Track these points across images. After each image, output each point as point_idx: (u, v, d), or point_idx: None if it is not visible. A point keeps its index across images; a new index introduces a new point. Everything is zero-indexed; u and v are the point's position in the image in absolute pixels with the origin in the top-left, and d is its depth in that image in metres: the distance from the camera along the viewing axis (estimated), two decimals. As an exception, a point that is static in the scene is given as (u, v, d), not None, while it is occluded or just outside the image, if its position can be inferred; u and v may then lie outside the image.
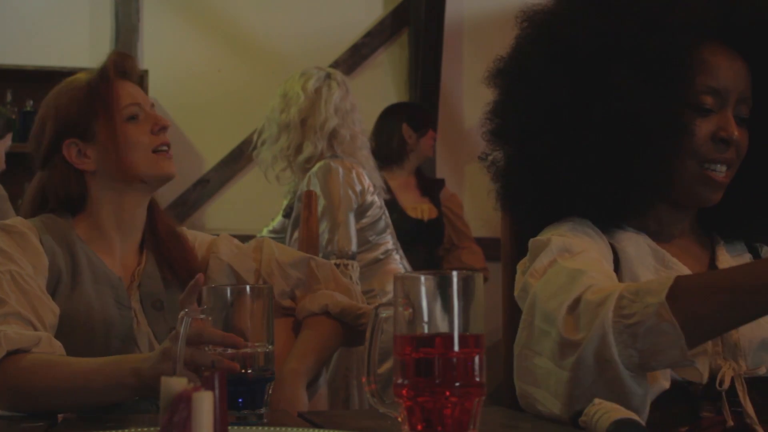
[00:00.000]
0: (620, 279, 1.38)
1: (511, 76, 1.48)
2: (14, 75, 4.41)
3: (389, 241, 3.41)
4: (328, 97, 3.31)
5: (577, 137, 1.38)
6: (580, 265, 1.28)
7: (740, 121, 1.41)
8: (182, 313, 1.25)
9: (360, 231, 3.27)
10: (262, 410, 1.28)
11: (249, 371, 1.26)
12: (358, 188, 3.24)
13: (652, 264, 1.41)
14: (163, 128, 1.72)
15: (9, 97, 4.39)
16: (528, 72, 1.45)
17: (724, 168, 1.41)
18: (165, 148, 1.72)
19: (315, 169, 3.23)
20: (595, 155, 1.38)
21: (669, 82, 1.37)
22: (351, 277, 3.12)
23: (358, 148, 3.36)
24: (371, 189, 3.31)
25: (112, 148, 1.68)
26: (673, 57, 1.36)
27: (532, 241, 1.41)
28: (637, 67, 1.36)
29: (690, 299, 1.14)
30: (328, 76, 3.38)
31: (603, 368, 1.17)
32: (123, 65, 1.75)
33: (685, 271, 1.41)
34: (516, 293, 1.40)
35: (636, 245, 1.43)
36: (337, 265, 3.10)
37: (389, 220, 3.45)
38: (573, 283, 1.23)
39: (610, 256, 1.40)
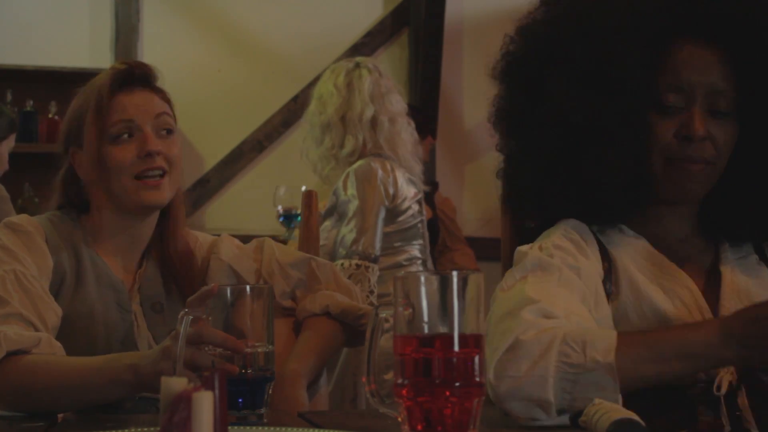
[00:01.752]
0: (617, 286, 1.39)
1: (501, 77, 1.50)
2: (14, 75, 4.42)
3: (416, 249, 3.39)
4: (360, 87, 3.32)
5: (546, 142, 1.40)
6: (538, 293, 1.29)
7: (717, 114, 1.41)
8: (182, 312, 1.25)
9: (386, 235, 3.27)
10: (262, 410, 1.28)
11: (249, 371, 1.26)
12: (391, 191, 3.24)
13: (650, 270, 1.41)
14: (150, 154, 1.62)
15: (9, 97, 4.38)
16: (504, 74, 1.48)
17: (697, 164, 1.41)
18: (152, 174, 1.63)
19: (355, 166, 3.23)
20: (567, 159, 1.39)
21: (627, 83, 1.38)
22: (369, 280, 3.13)
23: (398, 132, 3.36)
24: (408, 196, 3.30)
25: (89, 169, 1.66)
26: (630, 59, 1.37)
27: (516, 251, 1.42)
28: (595, 70, 1.38)
29: (629, 364, 1.19)
30: (357, 65, 3.39)
31: (535, 404, 1.20)
32: (130, 74, 1.67)
33: (684, 277, 1.40)
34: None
35: (634, 251, 1.43)
36: (358, 266, 3.12)
37: (424, 231, 3.43)
38: (519, 312, 1.26)
39: (598, 266, 1.40)
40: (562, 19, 1.44)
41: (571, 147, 1.39)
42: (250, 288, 1.31)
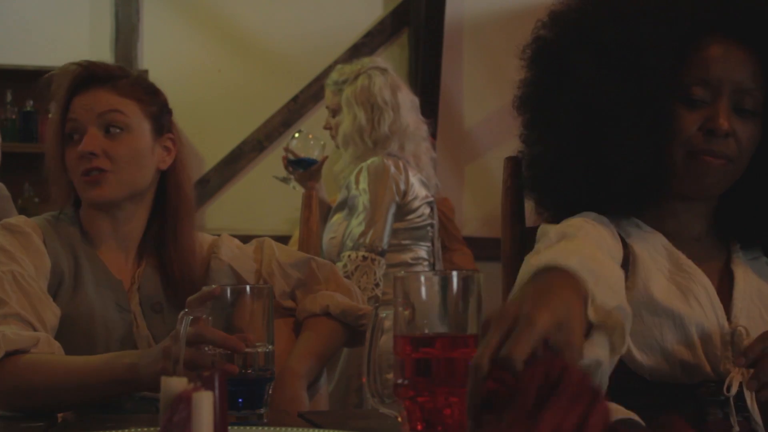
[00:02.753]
0: (634, 281, 1.38)
1: (530, 61, 1.50)
2: (14, 75, 4.41)
3: (424, 250, 3.39)
4: (403, 100, 3.34)
5: (568, 126, 1.40)
6: (550, 257, 1.26)
7: (743, 112, 1.40)
8: (182, 312, 1.25)
9: (394, 231, 3.27)
10: (262, 410, 1.28)
11: (249, 371, 1.26)
12: (402, 187, 3.25)
13: (666, 266, 1.40)
14: (84, 156, 1.62)
15: (9, 97, 4.38)
16: (533, 58, 1.48)
17: (718, 159, 1.40)
18: (92, 173, 1.63)
19: (369, 162, 3.23)
20: (586, 145, 1.39)
21: (655, 72, 1.38)
22: (375, 273, 3.13)
23: (423, 138, 3.39)
24: (420, 196, 3.31)
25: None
26: (661, 50, 1.37)
27: (540, 228, 1.42)
28: (624, 56, 1.38)
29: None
30: (384, 72, 3.38)
31: None
32: (81, 76, 1.67)
33: (700, 274, 1.40)
34: None
35: (652, 247, 1.42)
36: (365, 258, 3.13)
37: (434, 235, 3.43)
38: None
39: (619, 252, 1.39)
40: (596, 4, 1.44)
41: (592, 133, 1.39)
42: (250, 288, 1.31)
